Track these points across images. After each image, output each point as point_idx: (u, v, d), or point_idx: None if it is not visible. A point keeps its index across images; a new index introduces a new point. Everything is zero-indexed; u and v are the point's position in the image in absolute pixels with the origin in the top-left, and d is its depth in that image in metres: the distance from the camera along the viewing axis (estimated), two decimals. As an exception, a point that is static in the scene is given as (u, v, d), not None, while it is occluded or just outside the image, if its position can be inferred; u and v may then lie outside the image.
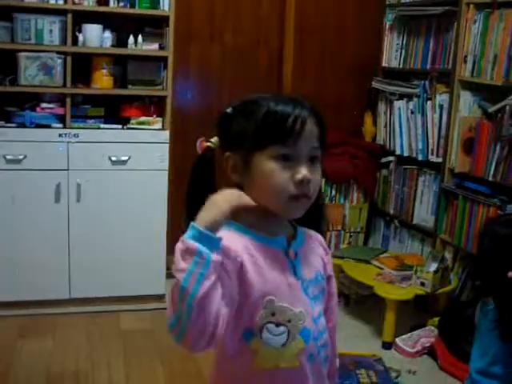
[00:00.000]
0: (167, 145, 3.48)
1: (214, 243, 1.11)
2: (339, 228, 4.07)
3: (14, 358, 2.96)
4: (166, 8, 3.47)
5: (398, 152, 3.97)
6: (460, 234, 3.38)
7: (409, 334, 3.24)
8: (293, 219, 1.31)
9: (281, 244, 1.27)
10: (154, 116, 3.52)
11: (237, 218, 1.23)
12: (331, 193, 4.01)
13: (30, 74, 3.29)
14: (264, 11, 4.07)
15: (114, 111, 3.54)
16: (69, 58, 3.35)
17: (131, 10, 3.46)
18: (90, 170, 3.40)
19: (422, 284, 3.23)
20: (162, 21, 3.53)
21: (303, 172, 1.21)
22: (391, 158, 4.06)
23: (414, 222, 3.84)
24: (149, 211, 3.46)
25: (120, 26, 3.55)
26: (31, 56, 3.28)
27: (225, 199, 1.15)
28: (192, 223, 1.11)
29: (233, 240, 1.20)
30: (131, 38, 3.47)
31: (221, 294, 1.12)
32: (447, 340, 3.04)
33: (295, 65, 4.13)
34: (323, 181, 3.96)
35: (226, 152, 1.28)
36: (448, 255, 3.48)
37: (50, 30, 3.31)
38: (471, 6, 3.30)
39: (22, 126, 3.32)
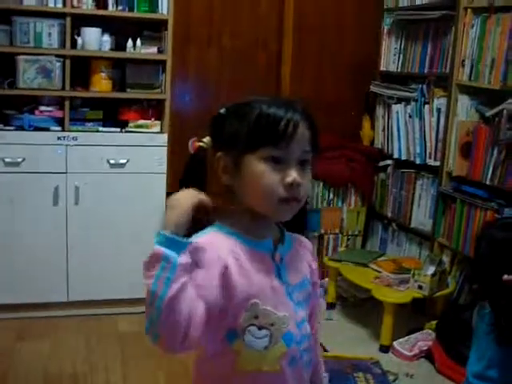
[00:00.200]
0: (165, 148, 3.49)
1: (180, 245, 1.13)
2: (337, 231, 4.08)
3: (13, 360, 2.97)
4: (165, 11, 3.48)
5: (395, 156, 3.98)
6: (458, 238, 3.39)
7: (406, 338, 3.24)
8: (280, 222, 1.32)
9: (267, 247, 1.28)
10: (153, 119, 3.53)
11: (223, 219, 1.26)
12: (329, 196, 4.02)
13: (28, 77, 3.29)
14: (262, 14, 4.08)
15: (112, 114, 3.54)
16: (67, 62, 3.35)
17: (130, 14, 3.46)
18: (89, 172, 3.40)
19: (420, 287, 3.24)
20: (161, 24, 3.54)
21: (293, 175, 1.21)
22: (389, 162, 4.07)
23: (412, 225, 3.85)
24: (147, 214, 3.46)
25: (119, 29, 3.56)
26: (30, 59, 3.29)
27: (183, 198, 1.18)
28: (160, 229, 1.13)
29: (218, 242, 1.22)
30: (130, 42, 3.48)
31: (194, 295, 1.14)
32: (445, 343, 3.05)
33: (294, 67, 4.14)
34: (321, 184, 3.97)
35: (217, 152, 1.28)
36: (446, 259, 3.49)
37: (49, 33, 3.32)
38: (469, 10, 3.31)
39: (21, 129, 3.33)
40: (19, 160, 3.30)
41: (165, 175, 3.48)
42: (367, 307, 3.60)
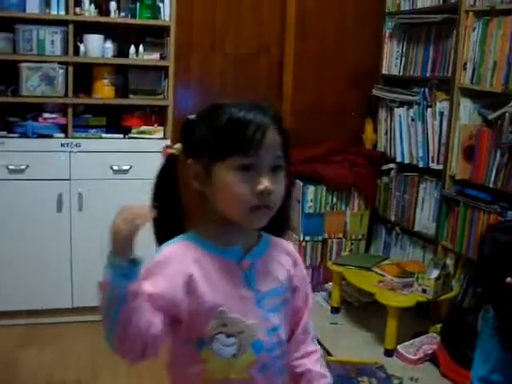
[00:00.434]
0: (168, 154, 3.49)
1: (130, 273, 1.11)
2: (340, 235, 4.07)
3: (17, 367, 2.98)
4: (167, 18, 3.50)
5: (398, 159, 3.98)
6: (461, 241, 3.38)
7: (411, 341, 3.23)
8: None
9: (235, 254, 1.26)
10: (156, 125, 3.54)
11: (197, 226, 1.27)
12: (332, 200, 4.02)
13: (31, 84, 3.31)
14: (264, 20, 4.09)
15: (115, 121, 3.56)
16: (70, 68, 3.37)
17: (132, 21, 3.48)
18: (92, 179, 3.41)
19: (424, 291, 3.23)
20: (163, 31, 3.55)
21: (265, 183, 1.19)
22: (392, 166, 4.07)
23: (416, 228, 3.85)
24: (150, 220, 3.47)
25: (121, 36, 3.58)
26: (33, 66, 3.31)
27: (122, 220, 1.13)
28: (108, 254, 1.12)
29: (184, 252, 1.22)
30: (132, 48, 3.50)
31: (149, 312, 1.14)
32: (449, 347, 3.04)
33: (296, 73, 4.15)
34: (324, 188, 3.97)
35: (188, 159, 1.28)
36: (449, 262, 3.48)
37: (52, 40, 3.34)
38: (470, 13, 3.31)
39: (25, 136, 3.34)
40: (23, 167, 3.32)
41: (168, 181, 3.49)
42: (371, 311, 3.60)
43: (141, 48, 3.51)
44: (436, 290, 3.22)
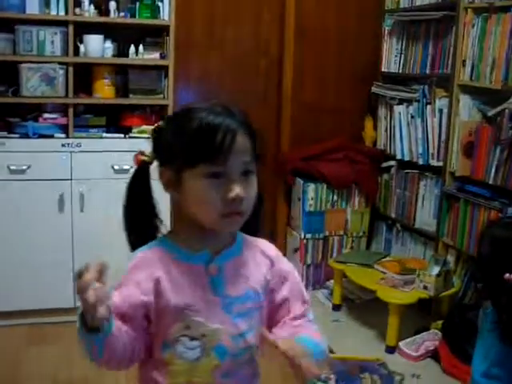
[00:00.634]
0: (169, 153, 3.51)
1: (105, 332, 1.13)
2: (341, 233, 4.08)
3: (22, 366, 3.00)
4: (166, 17, 3.50)
5: (398, 156, 3.98)
6: (462, 237, 3.39)
7: (412, 338, 3.25)
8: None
9: (202, 259, 1.26)
10: (156, 124, 3.55)
11: (171, 231, 1.30)
12: (333, 198, 4.02)
13: (32, 84, 3.32)
14: (263, 19, 4.09)
15: (115, 120, 3.57)
16: (70, 69, 3.38)
17: (132, 20, 3.49)
18: (93, 179, 3.42)
19: (425, 288, 3.24)
20: (163, 30, 3.56)
21: (236, 191, 1.18)
22: (392, 163, 4.08)
23: (416, 225, 3.86)
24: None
25: (121, 35, 3.58)
26: (33, 67, 3.31)
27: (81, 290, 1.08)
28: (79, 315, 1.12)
29: (153, 257, 1.24)
30: (132, 48, 3.50)
31: (128, 333, 1.19)
32: (451, 343, 3.05)
33: (295, 71, 4.15)
34: (325, 186, 3.98)
35: (160, 167, 1.27)
36: (450, 258, 3.49)
37: (52, 41, 3.34)
38: (469, 10, 3.32)
39: (25, 136, 3.35)
40: (24, 167, 3.33)
41: (169, 180, 3.50)
42: (373, 308, 3.60)
43: (140, 48, 3.52)
44: (437, 287, 3.23)
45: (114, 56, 3.52)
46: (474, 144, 3.30)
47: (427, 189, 3.78)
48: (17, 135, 3.35)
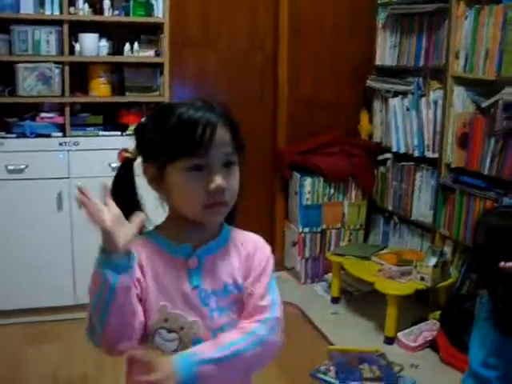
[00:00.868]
0: (166, 150, 3.52)
1: (122, 268, 1.14)
2: (339, 226, 4.11)
3: (23, 364, 3.01)
4: (161, 15, 3.52)
5: (394, 149, 4.00)
6: (458, 228, 3.42)
7: (411, 329, 3.28)
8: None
9: (183, 252, 1.27)
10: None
11: (160, 225, 1.31)
12: (330, 191, 4.05)
13: (28, 84, 3.33)
14: (258, 15, 4.11)
15: (112, 118, 3.59)
16: (66, 68, 3.40)
17: (126, 19, 3.51)
18: (91, 177, 3.43)
19: (422, 279, 3.27)
20: (157, 28, 3.57)
21: (217, 182, 1.21)
22: (388, 155, 4.10)
23: (413, 217, 3.88)
24: (150, 216, 3.50)
25: (116, 34, 3.60)
26: (29, 67, 3.33)
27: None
28: (101, 245, 1.14)
29: (137, 244, 1.24)
30: (127, 46, 3.52)
31: (135, 302, 1.19)
32: (449, 333, 3.08)
33: (290, 66, 4.17)
34: (321, 179, 4.00)
35: (144, 163, 1.30)
36: (447, 249, 3.52)
37: (47, 40, 3.36)
38: (461, 2, 3.33)
39: (23, 136, 3.37)
40: (22, 167, 3.34)
41: (166, 177, 3.52)
42: (371, 300, 3.63)
43: (135, 45, 3.53)
44: (434, 278, 3.25)
45: (109, 54, 3.54)
46: (469, 135, 3.32)
47: (423, 180, 3.80)
48: (14, 135, 3.37)
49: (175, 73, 3.74)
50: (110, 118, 3.59)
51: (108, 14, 3.47)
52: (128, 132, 3.51)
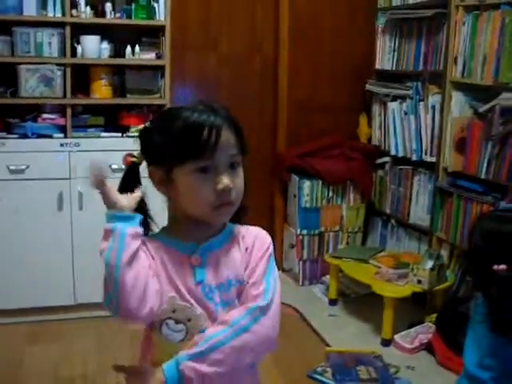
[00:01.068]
0: (166, 151, 3.55)
1: (127, 218, 1.23)
2: (337, 228, 4.13)
3: (24, 363, 3.03)
4: (162, 18, 3.54)
5: (393, 152, 4.03)
6: (455, 232, 3.44)
7: (407, 331, 3.30)
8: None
9: (187, 249, 1.31)
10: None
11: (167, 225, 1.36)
12: (328, 194, 4.08)
13: (30, 86, 3.36)
14: (258, 17, 4.14)
15: (113, 120, 3.61)
16: (68, 70, 3.42)
17: (128, 21, 3.53)
18: (92, 178, 3.45)
19: (419, 281, 3.29)
20: (159, 30, 3.60)
21: (224, 182, 1.25)
22: (386, 159, 4.13)
23: (411, 221, 3.91)
24: (156, 218, 3.52)
25: (117, 36, 3.62)
26: (31, 68, 3.35)
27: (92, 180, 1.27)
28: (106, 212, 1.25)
29: (149, 243, 1.30)
30: (128, 48, 3.54)
31: (146, 263, 1.25)
32: (445, 336, 3.10)
33: (290, 69, 4.20)
34: (320, 182, 4.03)
35: (149, 166, 1.33)
36: (444, 253, 3.54)
37: (49, 42, 3.38)
38: (460, 8, 3.37)
39: (24, 136, 3.39)
40: (23, 167, 3.37)
41: (166, 178, 3.54)
42: (368, 302, 3.66)
43: (137, 48, 3.56)
44: (431, 281, 3.28)
45: (110, 56, 3.57)
46: (466, 140, 3.35)
47: (421, 184, 3.83)
48: (16, 135, 3.40)
49: (176, 75, 3.77)
50: (111, 119, 3.61)
51: (110, 17, 3.50)
52: (129, 134, 3.54)
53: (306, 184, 4.02)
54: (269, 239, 1.40)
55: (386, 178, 4.13)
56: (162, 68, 3.59)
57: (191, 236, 1.33)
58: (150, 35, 3.66)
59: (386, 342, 3.27)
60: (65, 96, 3.44)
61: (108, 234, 1.22)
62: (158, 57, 3.61)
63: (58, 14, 3.38)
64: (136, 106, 3.62)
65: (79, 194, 3.45)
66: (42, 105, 3.47)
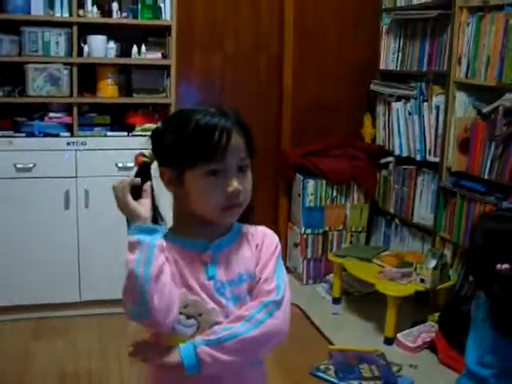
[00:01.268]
0: (172, 151, 3.57)
1: (153, 231, 1.26)
2: (341, 228, 4.15)
3: (30, 359, 3.06)
4: (168, 18, 3.57)
5: (396, 152, 4.05)
6: (458, 231, 3.46)
7: (410, 330, 3.32)
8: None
9: (199, 247, 1.34)
10: (154, 127, 3.61)
11: (175, 223, 1.39)
12: (332, 193, 4.10)
13: (37, 85, 3.39)
14: (263, 18, 4.17)
15: (119, 119, 3.64)
16: (75, 69, 3.45)
17: (134, 21, 3.56)
18: (98, 176, 3.49)
19: (422, 280, 3.31)
20: (165, 30, 3.63)
21: (234, 185, 1.28)
22: (390, 159, 4.15)
23: (414, 220, 3.93)
24: (166, 218, 3.55)
25: (124, 36, 3.65)
26: (39, 68, 3.39)
27: (120, 193, 1.31)
28: (130, 223, 1.27)
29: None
30: (135, 48, 3.57)
31: (170, 274, 1.27)
32: (447, 334, 3.12)
33: (295, 69, 4.23)
34: (324, 182, 4.05)
35: (160, 166, 1.36)
36: (447, 252, 3.56)
37: (57, 42, 3.42)
38: (464, 9, 3.39)
39: (31, 135, 3.43)
40: (30, 165, 3.40)
41: (172, 177, 3.57)
42: (372, 301, 3.68)
43: (143, 48, 3.58)
44: (434, 280, 3.30)
45: (117, 56, 3.59)
46: (470, 140, 3.37)
47: (424, 184, 3.85)
48: (23, 134, 3.43)
49: (182, 75, 3.80)
50: (117, 118, 3.64)
51: (116, 17, 3.52)
52: (135, 132, 3.57)
53: (310, 183, 4.04)
54: (277, 238, 1.44)
55: (390, 178, 4.15)
56: (167, 67, 3.62)
57: (199, 235, 1.36)
58: (156, 35, 3.69)
59: (389, 341, 3.29)
60: (71, 95, 3.47)
61: (135, 246, 1.24)
62: (164, 56, 3.64)
63: (65, 14, 3.41)
64: (142, 105, 3.65)
65: (85, 192, 3.48)
66: (48, 104, 3.50)
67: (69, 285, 3.54)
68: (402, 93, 3.96)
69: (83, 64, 3.50)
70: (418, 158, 3.84)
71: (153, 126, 3.58)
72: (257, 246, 1.39)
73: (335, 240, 4.16)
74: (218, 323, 1.31)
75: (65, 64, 3.44)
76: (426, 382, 2.95)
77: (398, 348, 3.26)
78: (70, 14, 3.41)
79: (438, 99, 3.65)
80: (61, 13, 3.40)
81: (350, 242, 4.18)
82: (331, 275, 3.92)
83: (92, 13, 3.47)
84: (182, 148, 1.29)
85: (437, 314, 3.34)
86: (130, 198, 1.29)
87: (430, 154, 3.76)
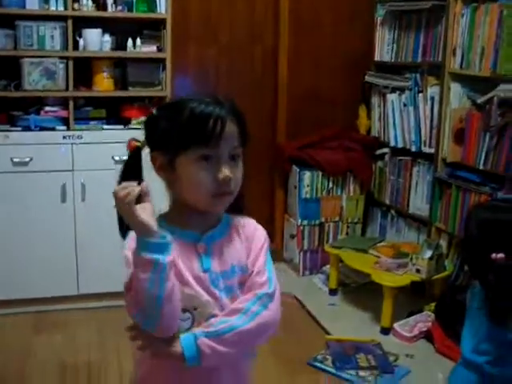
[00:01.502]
0: (168, 143, 3.58)
1: (164, 248, 1.22)
2: (337, 219, 4.17)
3: (30, 352, 3.08)
4: (163, 11, 3.57)
5: (392, 144, 4.07)
6: (454, 222, 3.49)
7: (406, 320, 3.35)
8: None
9: (192, 238, 1.36)
10: (149, 113, 3.62)
11: (166, 212, 1.38)
12: (328, 185, 4.11)
13: (33, 79, 3.40)
14: (258, 9, 4.16)
15: (115, 112, 3.65)
16: (70, 63, 3.45)
17: (129, 14, 3.56)
18: (94, 169, 3.50)
19: (418, 271, 3.34)
20: (159, 23, 3.63)
21: (225, 172, 1.30)
22: (386, 150, 4.16)
23: (410, 211, 3.95)
24: (156, 204, 3.56)
25: (119, 29, 3.65)
26: (34, 62, 3.39)
27: (126, 205, 1.23)
28: (139, 238, 1.22)
29: None
30: (130, 41, 3.57)
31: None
32: (443, 324, 3.15)
33: (290, 60, 4.23)
34: (320, 173, 4.06)
35: (152, 152, 1.36)
36: (443, 242, 3.58)
37: (52, 35, 3.41)
38: (458, 0, 3.40)
39: (28, 129, 3.43)
40: (27, 159, 3.41)
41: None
42: (368, 291, 3.70)
43: (138, 41, 3.59)
44: (429, 270, 3.32)
45: (112, 49, 3.60)
46: (465, 131, 3.39)
47: (420, 175, 3.87)
48: (19, 128, 3.44)
49: (177, 67, 3.80)
50: (113, 112, 3.65)
51: (111, 10, 3.52)
52: (131, 126, 3.58)
53: (307, 175, 4.06)
54: (265, 232, 1.46)
55: (386, 169, 4.17)
56: (163, 60, 3.62)
57: (191, 225, 1.37)
58: (151, 28, 3.69)
59: (386, 331, 3.32)
60: (67, 89, 3.48)
61: (147, 266, 1.21)
62: (160, 49, 3.64)
63: (60, 8, 3.41)
64: (138, 98, 3.66)
65: (82, 185, 3.49)
66: (44, 98, 3.50)
67: (66, 278, 3.56)
68: (397, 84, 3.97)
69: (79, 58, 3.50)
70: (414, 149, 3.86)
71: (149, 119, 3.60)
72: (247, 238, 1.41)
73: (331, 231, 4.18)
74: (213, 316, 1.33)
75: (60, 58, 3.44)
76: (422, 371, 2.98)
77: (394, 338, 3.28)
78: (65, 8, 3.41)
79: (432, 90, 3.67)
80: (56, 6, 3.40)
81: (347, 233, 4.20)
82: (328, 266, 3.94)
83: (87, 6, 3.46)
84: (176, 131, 1.30)
85: (433, 304, 3.37)
86: (137, 209, 1.22)
87: (425, 145, 3.77)
